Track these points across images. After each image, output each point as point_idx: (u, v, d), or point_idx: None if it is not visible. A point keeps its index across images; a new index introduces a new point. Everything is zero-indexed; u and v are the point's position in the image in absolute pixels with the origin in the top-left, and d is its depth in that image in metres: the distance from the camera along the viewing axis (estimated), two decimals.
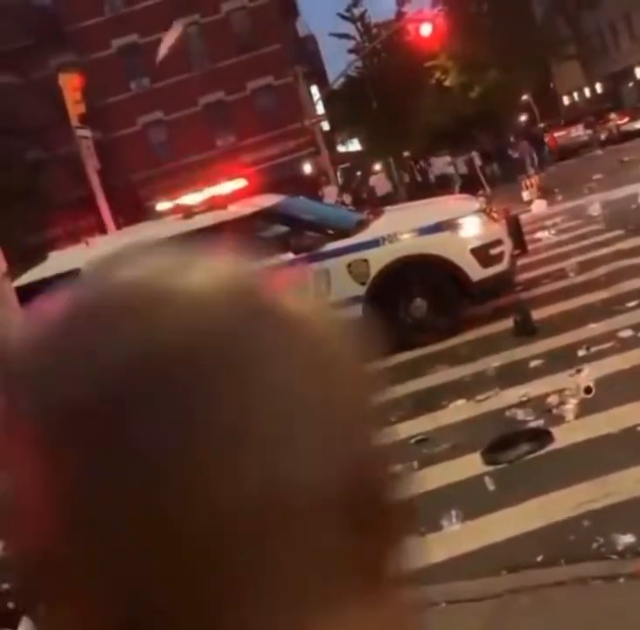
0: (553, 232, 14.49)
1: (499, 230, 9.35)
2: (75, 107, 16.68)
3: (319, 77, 51.39)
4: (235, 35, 40.94)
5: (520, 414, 5.96)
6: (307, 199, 12.84)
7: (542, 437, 5.46)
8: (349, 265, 8.81)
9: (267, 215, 9.29)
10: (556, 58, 48.00)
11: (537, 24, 45.51)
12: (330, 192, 27.85)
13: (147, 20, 40.14)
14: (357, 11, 42.80)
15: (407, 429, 6.40)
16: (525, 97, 45.65)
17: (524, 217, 18.44)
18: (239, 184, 9.87)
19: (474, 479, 5.18)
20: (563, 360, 6.85)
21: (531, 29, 41.51)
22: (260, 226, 9.32)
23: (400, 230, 8.99)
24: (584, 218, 14.93)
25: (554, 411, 5.80)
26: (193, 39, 41.51)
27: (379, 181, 29.50)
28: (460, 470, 5.38)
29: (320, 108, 43.01)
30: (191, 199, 9.66)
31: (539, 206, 18.81)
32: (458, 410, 6.54)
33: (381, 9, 59.64)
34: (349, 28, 42.81)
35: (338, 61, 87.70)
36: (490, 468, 5.25)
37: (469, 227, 9.05)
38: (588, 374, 6.17)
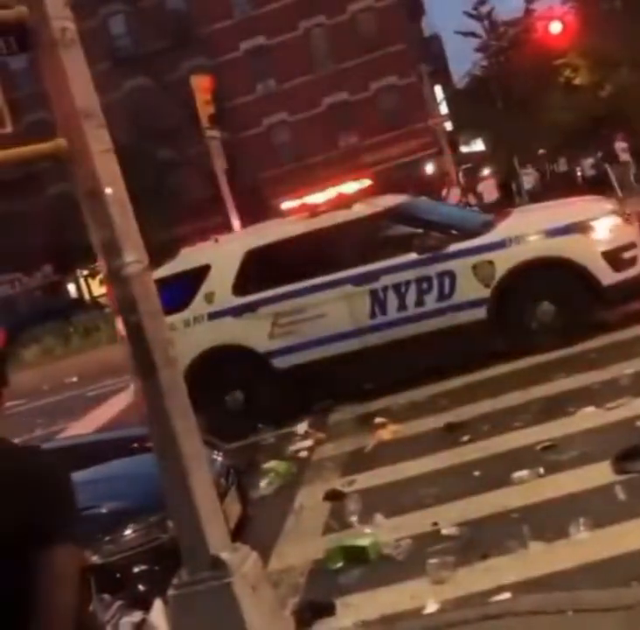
0: None
1: (633, 233, 9.00)
2: (205, 108, 17.12)
3: (443, 76, 50.87)
4: (360, 35, 41.08)
5: None
6: (431, 200, 12.75)
7: None
8: (474, 267, 8.69)
9: (391, 215, 9.28)
10: None
11: None
12: (453, 193, 27.50)
13: (273, 22, 40.81)
14: (484, 9, 42.21)
15: (534, 435, 6.31)
16: None
17: None
18: (363, 183, 9.90)
19: (603, 487, 5.06)
20: None
21: None
22: (383, 226, 9.32)
23: (528, 231, 8.79)
24: None
25: None
26: (318, 40, 41.93)
27: (487, 187, 28.83)
28: (588, 478, 5.27)
29: (443, 108, 42.63)
30: (315, 198, 9.75)
31: None
32: (587, 418, 6.38)
33: (509, 6, 58.61)
34: (475, 26, 42.26)
35: (463, 60, 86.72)
36: (621, 477, 5.11)
37: (600, 229, 8.76)
38: None
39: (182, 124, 27.94)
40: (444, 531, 5.13)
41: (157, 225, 29.33)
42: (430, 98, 40.52)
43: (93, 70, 3.89)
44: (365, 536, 5.32)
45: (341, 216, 9.16)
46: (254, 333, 9.05)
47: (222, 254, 9.55)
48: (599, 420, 6.25)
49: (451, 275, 8.73)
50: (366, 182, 9.96)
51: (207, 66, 32.40)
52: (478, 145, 50.68)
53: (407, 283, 8.79)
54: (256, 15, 41.63)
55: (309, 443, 8.05)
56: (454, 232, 9.00)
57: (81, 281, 43.09)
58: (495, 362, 8.55)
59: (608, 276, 8.56)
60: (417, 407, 8.14)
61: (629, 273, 8.68)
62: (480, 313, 8.70)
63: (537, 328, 8.64)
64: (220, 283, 9.19)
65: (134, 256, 3.77)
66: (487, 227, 9.16)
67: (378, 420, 7.97)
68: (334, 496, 6.35)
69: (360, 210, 9.24)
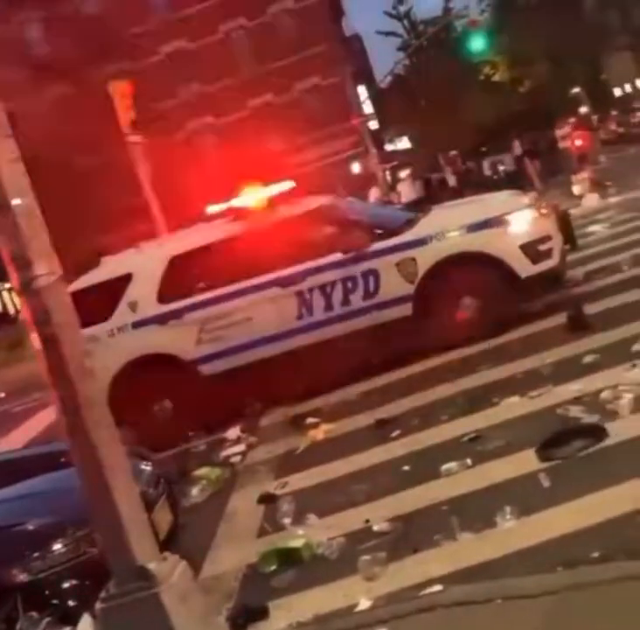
0: (605, 225, 14.32)
1: (548, 226, 9.23)
2: (126, 113, 16.97)
3: (366, 76, 51.26)
4: (281, 37, 41.05)
5: (574, 410, 5.89)
6: (355, 199, 12.85)
7: (597, 432, 5.40)
8: (397, 264, 8.79)
9: (315, 216, 9.31)
10: (607, 49, 47.24)
11: (587, 15, 44.80)
12: (374, 193, 27.70)
13: (194, 25, 40.51)
14: (403, 9, 42.67)
15: (460, 427, 6.41)
16: (575, 90, 45.01)
17: (575, 211, 18.27)
18: (286, 185, 9.90)
19: (528, 475, 5.15)
20: (617, 354, 6.76)
21: (581, 21, 40.91)
22: (307, 227, 9.33)
23: (448, 228, 8.93)
24: (637, 210, 14.70)
25: (609, 406, 5.73)
26: (239, 43, 41.79)
27: (406, 187, 29.24)
28: (514, 467, 5.35)
29: (368, 107, 42.94)
30: (239, 201, 9.72)
31: (591, 200, 18.58)
32: (511, 407, 6.49)
33: (427, 6, 59.32)
34: (395, 26, 42.70)
35: (385, 60, 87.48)
36: (545, 465, 5.21)
37: (517, 223, 8.96)
38: None
39: (104, 131, 27.51)
40: (376, 527, 5.16)
41: (82, 234, 28.90)
42: (354, 98, 40.77)
43: (10, 78, 3.82)
44: (298, 538, 5.32)
45: (265, 219, 9.15)
46: (181, 340, 8.97)
47: (144, 261, 9.43)
48: (523, 409, 6.37)
49: (375, 273, 8.81)
50: (289, 184, 9.96)
51: (127, 72, 31.98)
52: (403, 143, 51.25)
53: (333, 283, 8.83)
54: (175, 18, 41.26)
55: (241, 447, 8.03)
56: (377, 230, 9.08)
57: (5, 295, 42.14)
58: (422, 357, 8.66)
59: (526, 269, 8.76)
60: (348, 405, 8.18)
61: (547, 265, 8.90)
62: (405, 310, 8.80)
63: (460, 322, 8.77)
64: (144, 292, 9.07)
65: (45, 268, 3.70)
66: (409, 224, 9.25)
67: (310, 420, 7.99)
68: (267, 499, 6.34)
69: (284, 212, 9.24)
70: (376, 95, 44.11)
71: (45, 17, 40.86)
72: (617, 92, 58.54)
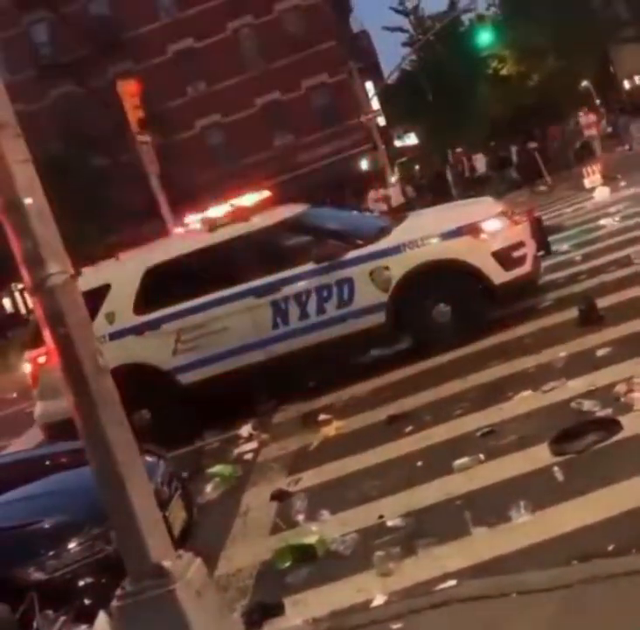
0: (616, 219, 14.25)
1: (521, 232, 9.24)
2: (134, 113, 17.00)
3: (374, 72, 51.20)
4: (288, 34, 41.02)
5: (587, 403, 5.89)
6: (329, 208, 12.88)
7: (610, 426, 5.40)
8: (371, 272, 8.80)
9: (289, 226, 9.29)
10: (615, 41, 46.96)
11: (594, 7, 44.53)
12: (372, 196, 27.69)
13: (200, 24, 40.54)
14: (409, 4, 42.44)
15: (473, 421, 6.41)
16: (584, 83, 44.79)
17: (587, 205, 18.22)
18: (262, 195, 9.90)
19: (542, 470, 5.15)
20: (630, 347, 6.76)
21: (588, 13, 40.66)
22: (282, 236, 9.31)
23: (422, 236, 8.92)
24: None
25: (622, 400, 5.73)
26: (247, 41, 41.79)
27: (395, 192, 29.40)
28: (527, 461, 5.36)
29: (375, 104, 42.84)
30: (215, 211, 9.71)
31: (602, 193, 18.50)
32: (524, 402, 6.49)
33: (434, 0, 59.26)
34: (402, 21, 42.51)
35: (393, 55, 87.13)
36: (559, 459, 5.21)
37: (490, 230, 8.97)
38: None
39: (113, 130, 27.60)
40: (389, 523, 5.17)
41: (94, 234, 28.96)
42: (362, 94, 40.68)
43: (18, 79, 3.83)
44: (311, 534, 5.33)
45: (240, 229, 9.12)
46: (158, 351, 9.00)
47: (122, 272, 9.44)
48: (536, 403, 6.37)
49: (350, 282, 8.83)
50: (265, 193, 9.96)
51: (135, 71, 32.05)
52: (412, 139, 51.12)
53: (308, 292, 8.86)
54: (182, 17, 41.31)
55: (253, 445, 8.05)
56: (351, 239, 9.09)
57: (17, 295, 42.30)
58: (431, 354, 8.64)
59: (499, 276, 8.78)
60: (360, 402, 8.19)
61: (520, 271, 8.93)
62: (379, 318, 8.82)
63: (434, 329, 8.78)
64: (121, 303, 9.08)
65: (58, 267, 3.71)
66: (383, 232, 9.25)
67: (322, 417, 8.01)
68: (280, 496, 6.36)
69: (258, 222, 9.19)
70: (384, 92, 43.97)
71: (52, 18, 40.93)
72: (627, 85, 58.28)
